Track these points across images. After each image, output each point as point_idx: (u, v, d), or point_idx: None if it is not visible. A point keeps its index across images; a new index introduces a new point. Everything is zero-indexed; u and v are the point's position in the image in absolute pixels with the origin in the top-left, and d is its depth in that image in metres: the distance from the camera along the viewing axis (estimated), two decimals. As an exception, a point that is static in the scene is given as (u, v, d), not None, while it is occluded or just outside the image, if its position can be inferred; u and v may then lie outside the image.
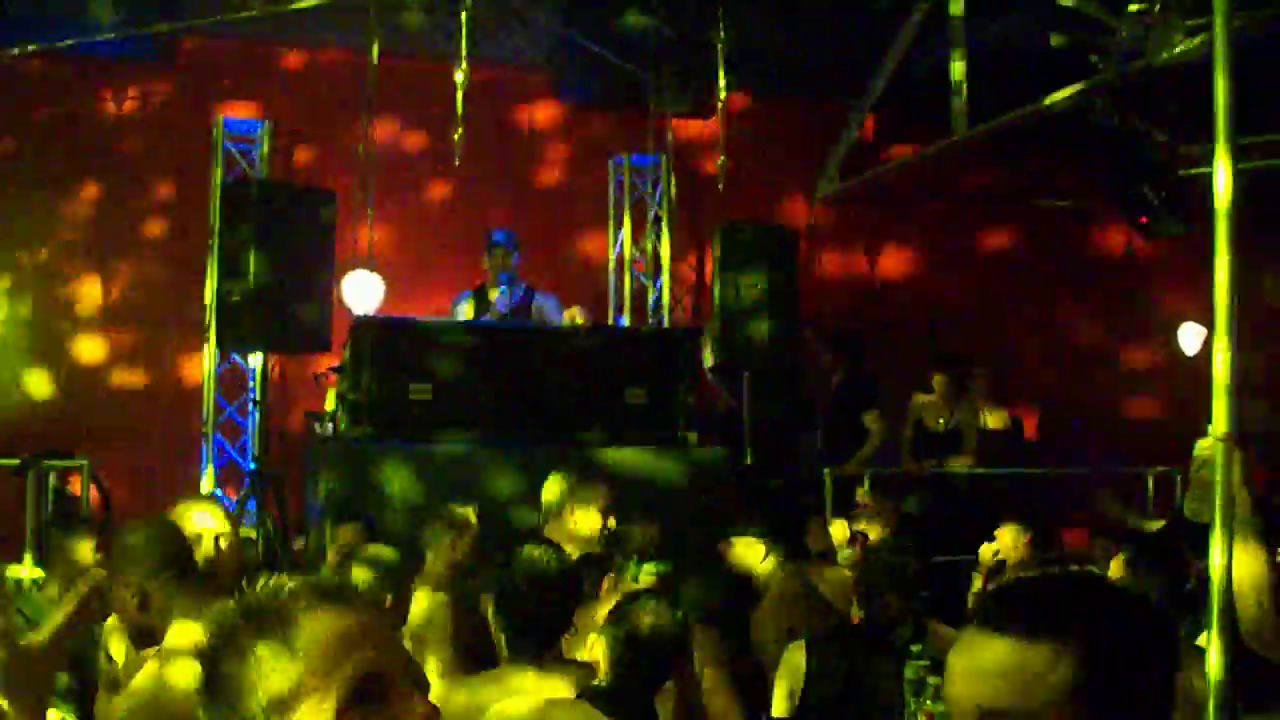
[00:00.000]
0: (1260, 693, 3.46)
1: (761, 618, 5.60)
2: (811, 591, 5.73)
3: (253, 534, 7.53)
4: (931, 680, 4.29)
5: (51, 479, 7.77)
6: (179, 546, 3.73)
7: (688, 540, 6.31)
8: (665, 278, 11.27)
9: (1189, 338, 12.03)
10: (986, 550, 6.94)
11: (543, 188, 11.31)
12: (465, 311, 8.64)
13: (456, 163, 8.63)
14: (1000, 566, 6.98)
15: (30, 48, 9.42)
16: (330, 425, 8.04)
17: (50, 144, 10.00)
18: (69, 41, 9.36)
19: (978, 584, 6.87)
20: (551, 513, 6.02)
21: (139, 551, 3.58)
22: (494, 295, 8.58)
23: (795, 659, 4.67)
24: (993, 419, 10.26)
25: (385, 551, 4.51)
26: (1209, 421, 3.18)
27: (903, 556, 5.02)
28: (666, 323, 9.53)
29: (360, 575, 4.25)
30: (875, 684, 4.58)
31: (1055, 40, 8.69)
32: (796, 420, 10.17)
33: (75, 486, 8.10)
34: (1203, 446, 3.29)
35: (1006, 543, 7.12)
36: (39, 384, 9.77)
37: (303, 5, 9.46)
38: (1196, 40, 8.00)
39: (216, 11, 9.50)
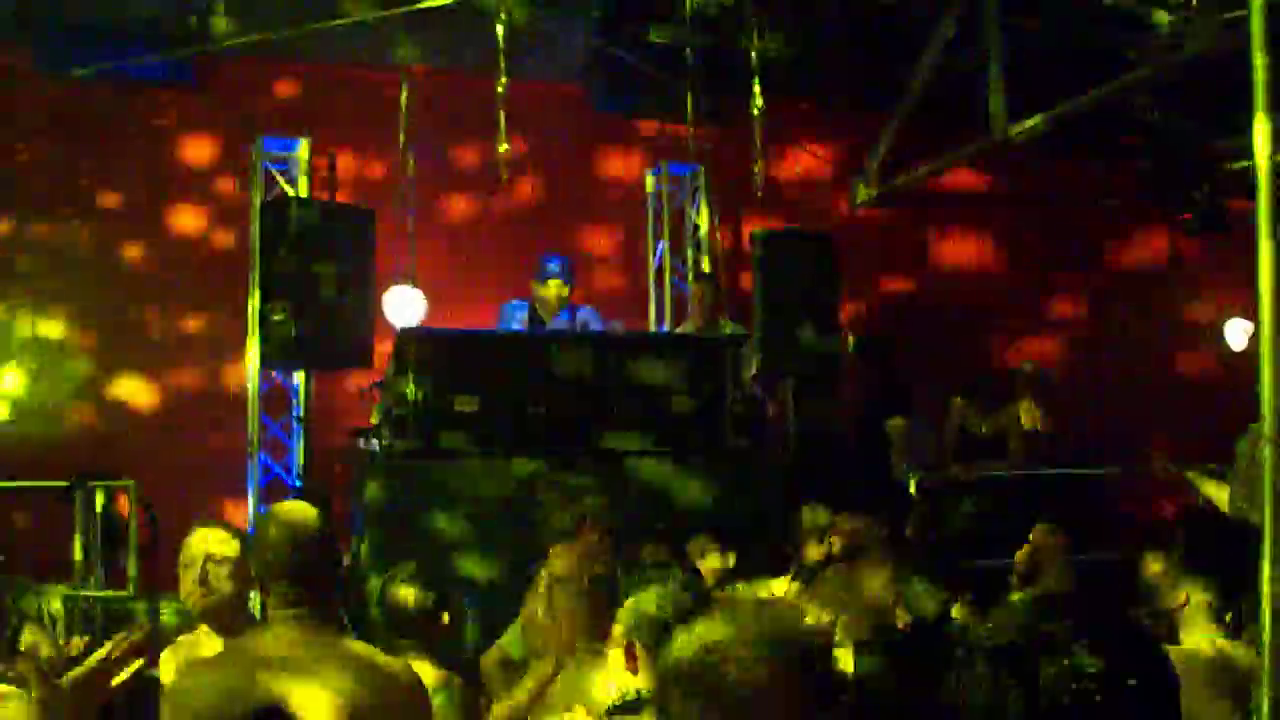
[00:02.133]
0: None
1: None
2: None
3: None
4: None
5: (99, 500, 7.81)
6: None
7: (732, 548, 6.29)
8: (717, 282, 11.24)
9: (1236, 334, 11.92)
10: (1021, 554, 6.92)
11: (582, 199, 11.32)
12: (521, 321, 8.67)
13: (504, 178, 8.64)
14: (1034, 569, 6.95)
15: (72, 72, 9.52)
16: (375, 440, 8.05)
17: (90, 167, 10.07)
18: (108, 64, 9.44)
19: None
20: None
21: None
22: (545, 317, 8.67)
23: (842, 663, 4.64)
24: (1037, 421, 10.19)
25: None
26: (1252, 420, 3.15)
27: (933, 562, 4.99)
28: (724, 328, 9.51)
29: None
30: (921, 688, 4.55)
31: (1093, 37, 8.65)
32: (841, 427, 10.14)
33: (123, 508, 8.15)
34: (1247, 445, 3.27)
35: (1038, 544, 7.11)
36: (84, 406, 9.83)
37: (339, 23, 9.51)
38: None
39: (253, 31, 9.57)
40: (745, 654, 1.71)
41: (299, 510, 3.46)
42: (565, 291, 8.71)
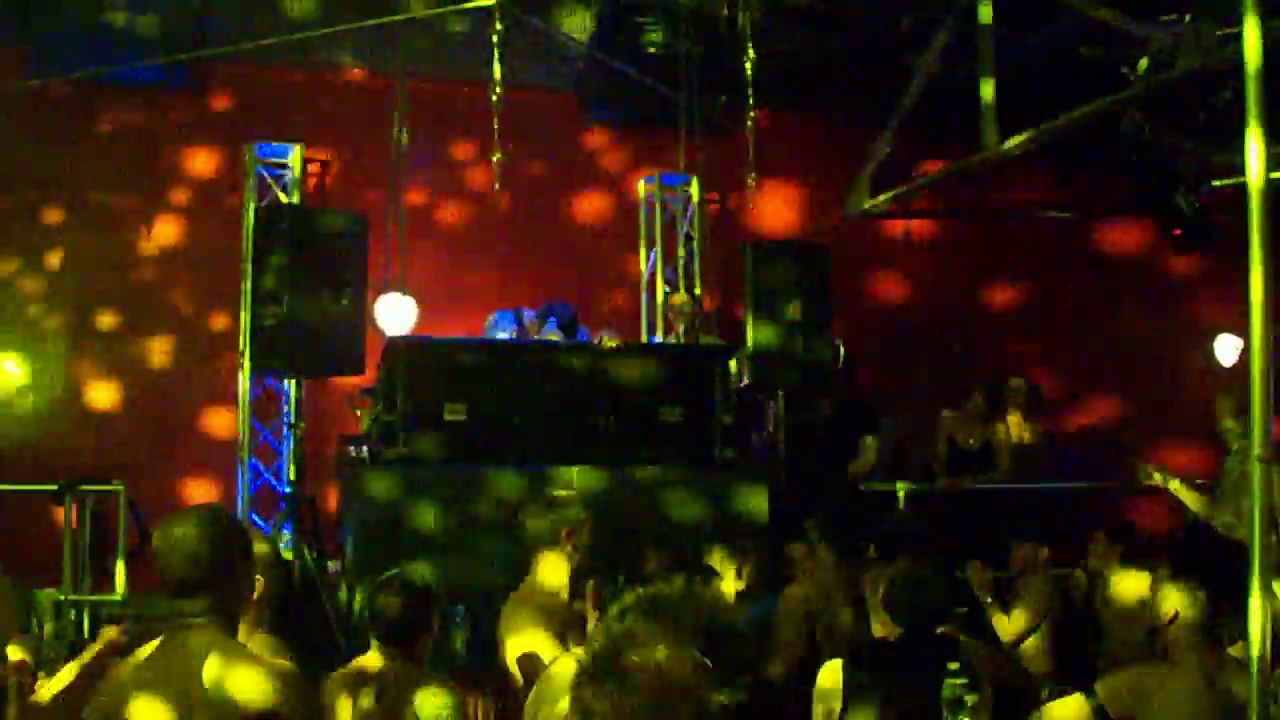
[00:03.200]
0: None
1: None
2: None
3: (289, 556, 7.55)
4: (969, 699, 4.26)
5: (89, 505, 7.80)
6: None
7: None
8: (699, 293, 11.25)
9: (1225, 349, 11.93)
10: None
11: (574, 208, 11.33)
12: (508, 334, 8.69)
13: (496, 186, 8.64)
14: (1011, 583, 7.04)
15: (64, 76, 9.52)
16: (365, 447, 8.05)
17: (83, 170, 10.07)
18: (102, 69, 9.43)
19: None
20: None
21: None
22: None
23: (832, 679, 4.65)
24: (1026, 433, 10.22)
25: None
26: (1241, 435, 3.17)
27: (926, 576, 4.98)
28: (703, 340, 9.52)
29: None
30: (911, 702, 4.55)
31: (1086, 52, 8.66)
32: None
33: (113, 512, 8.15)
34: (1234, 462, 3.30)
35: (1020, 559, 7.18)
36: (75, 410, 9.82)
37: (333, 30, 9.52)
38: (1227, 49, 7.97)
39: (248, 38, 9.58)
40: (648, 638, 1.74)
41: (184, 521, 3.36)
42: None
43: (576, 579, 5.09)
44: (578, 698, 1.76)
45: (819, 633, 6.25)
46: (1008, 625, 6.87)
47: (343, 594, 7.14)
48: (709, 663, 1.69)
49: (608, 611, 1.78)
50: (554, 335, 9.00)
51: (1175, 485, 7.58)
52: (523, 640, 4.84)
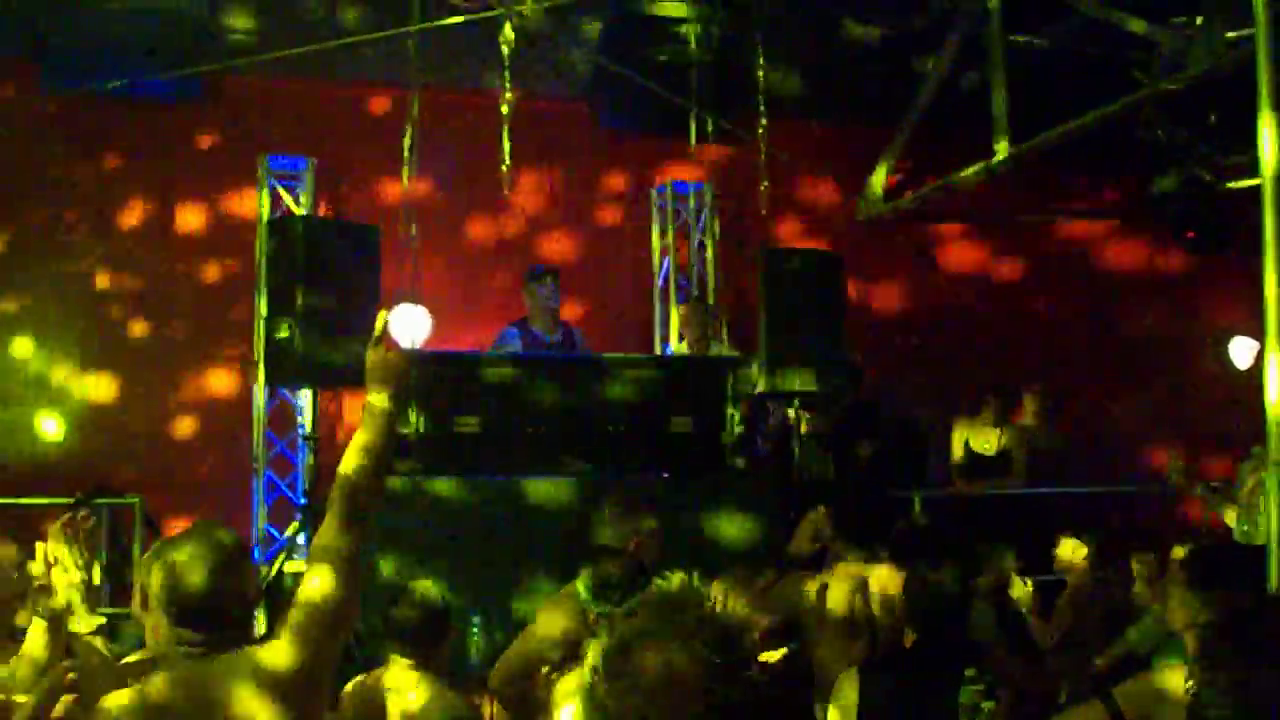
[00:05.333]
0: None
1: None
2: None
3: (302, 567, 7.55)
4: (985, 705, 4.24)
5: (105, 518, 7.82)
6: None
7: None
8: (712, 302, 11.24)
9: (1241, 352, 11.88)
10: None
11: (586, 217, 11.33)
12: (515, 346, 8.69)
13: (507, 195, 8.65)
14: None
15: (79, 89, 9.55)
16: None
17: (96, 185, 10.10)
18: (113, 84, 9.46)
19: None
20: None
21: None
22: (538, 326, 8.70)
23: (848, 687, 4.62)
24: (1043, 439, 10.20)
25: None
26: (1256, 444, 3.16)
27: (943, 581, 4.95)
28: (712, 350, 9.50)
29: None
30: (929, 710, 4.53)
31: (1097, 54, 8.66)
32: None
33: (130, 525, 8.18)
34: (1250, 469, 3.27)
35: (1065, 556, 7.16)
36: (89, 423, 9.83)
37: (344, 42, 9.54)
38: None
39: (258, 51, 9.60)
40: (654, 637, 1.79)
41: (186, 549, 3.26)
42: (557, 295, 8.82)
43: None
44: (592, 695, 1.77)
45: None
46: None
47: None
48: (716, 659, 1.71)
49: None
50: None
51: (1200, 490, 7.57)
52: (552, 620, 4.88)
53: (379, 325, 3.70)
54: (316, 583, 3.28)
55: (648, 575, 5.16)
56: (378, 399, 3.58)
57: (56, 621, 3.32)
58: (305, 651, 3.19)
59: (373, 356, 3.64)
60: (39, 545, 3.47)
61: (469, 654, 6.71)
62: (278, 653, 3.18)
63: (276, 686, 3.13)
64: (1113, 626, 6.87)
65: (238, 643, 3.22)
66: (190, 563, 3.21)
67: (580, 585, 4.95)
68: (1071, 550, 7.31)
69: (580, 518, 6.46)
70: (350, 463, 3.46)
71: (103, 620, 3.45)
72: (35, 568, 3.60)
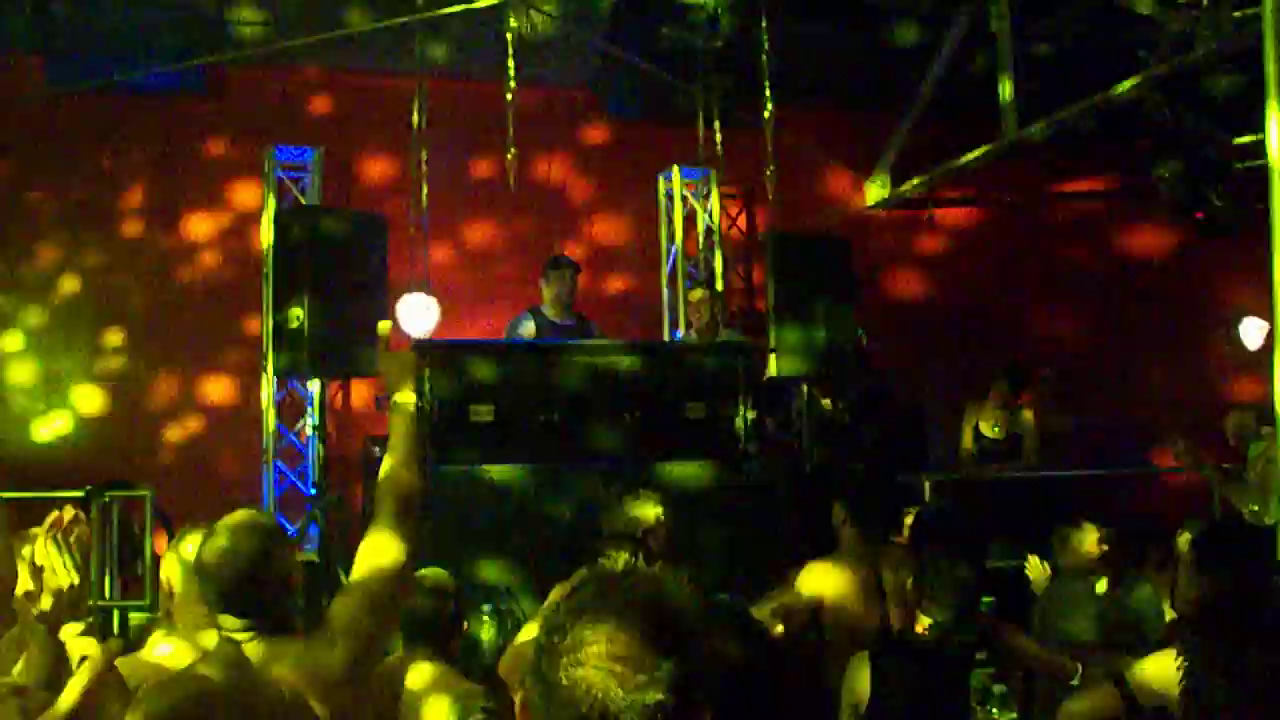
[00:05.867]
0: None
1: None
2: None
3: (314, 558, 7.58)
4: (996, 689, 4.24)
5: (115, 510, 7.82)
6: None
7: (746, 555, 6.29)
8: (720, 289, 11.23)
9: (1251, 332, 11.88)
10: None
11: (593, 204, 11.32)
12: (528, 332, 8.68)
13: (512, 183, 8.65)
14: None
15: (85, 83, 9.56)
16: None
17: (103, 178, 10.12)
18: (120, 77, 9.47)
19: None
20: None
21: None
22: (552, 313, 8.70)
23: (859, 672, 4.62)
24: (1053, 423, 10.18)
25: None
26: (1266, 423, 3.15)
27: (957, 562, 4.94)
28: (720, 336, 9.49)
29: None
30: (941, 695, 4.53)
31: (1104, 36, 8.63)
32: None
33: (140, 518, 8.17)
34: (1259, 450, 3.27)
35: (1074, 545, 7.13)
36: (99, 416, 9.85)
37: (349, 32, 9.54)
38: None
39: (264, 42, 9.60)
40: (596, 614, 1.79)
41: (227, 534, 3.28)
42: (572, 283, 8.80)
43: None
44: (535, 670, 1.79)
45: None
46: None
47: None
48: (655, 637, 1.72)
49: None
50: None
51: (1207, 470, 7.55)
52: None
53: (383, 332, 3.74)
54: (369, 577, 3.31)
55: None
56: (402, 397, 3.61)
57: (48, 627, 3.31)
58: (354, 645, 3.21)
59: (385, 362, 3.69)
60: (24, 550, 3.45)
61: (480, 643, 6.71)
62: (325, 644, 3.19)
63: (323, 677, 3.14)
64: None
65: (283, 629, 3.23)
66: (229, 548, 3.23)
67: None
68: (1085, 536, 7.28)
69: (592, 505, 6.46)
70: (390, 462, 3.51)
71: (91, 620, 3.41)
72: (23, 577, 3.59)
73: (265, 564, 3.24)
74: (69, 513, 3.48)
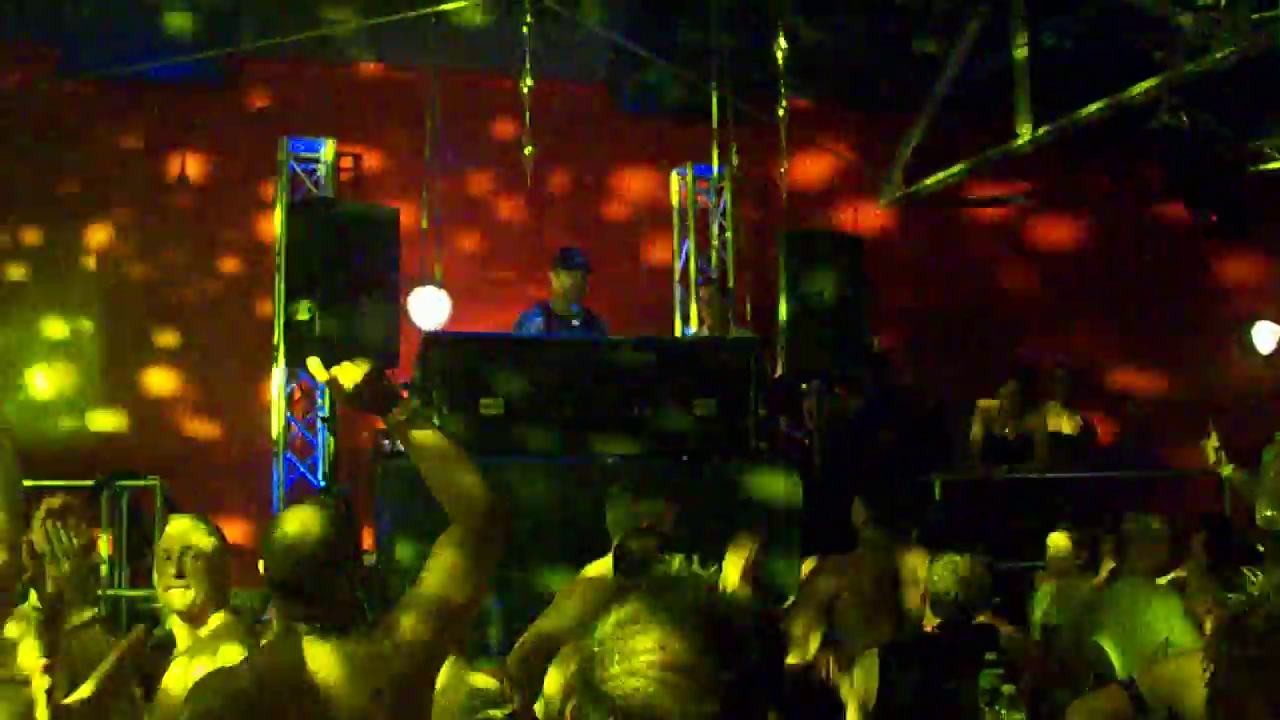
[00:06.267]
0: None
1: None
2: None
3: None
4: (1005, 689, 4.24)
5: (125, 500, 7.85)
6: None
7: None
8: (731, 286, 11.21)
9: (1263, 336, 11.83)
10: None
11: (606, 200, 11.32)
12: (537, 328, 8.68)
13: (528, 178, 8.65)
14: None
15: (98, 74, 9.57)
16: (399, 442, 8.03)
17: (116, 169, 10.13)
18: (133, 67, 9.48)
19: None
20: None
21: None
22: (561, 308, 8.69)
23: (868, 669, 4.62)
24: (1065, 423, 10.17)
25: None
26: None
27: (974, 564, 4.94)
28: (731, 333, 9.47)
29: None
30: (949, 694, 4.52)
31: (1122, 37, 8.62)
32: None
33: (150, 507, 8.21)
34: (1273, 455, 3.25)
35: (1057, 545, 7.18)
36: (110, 406, 9.87)
37: (364, 24, 9.54)
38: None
39: (278, 33, 9.60)
40: (649, 622, 1.74)
41: (297, 520, 3.26)
42: (586, 285, 8.79)
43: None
44: (585, 680, 1.76)
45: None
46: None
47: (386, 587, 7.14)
48: (708, 646, 1.69)
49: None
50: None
51: (1229, 470, 7.51)
52: (572, 601, 4.88)
53: (315, 370, 3.40)
54: (440, 580, 3.31)
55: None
56: (391, 418, 3.46)
57: (52, 614, 3.31)
58: (416, 654, 3.20)
59: (350, 399, 3.36)
60: (22, 539, 3.46)
61: (489, 637, 6.71)
62: (387, 652, 3.17)
63: (382, 676, 3.13)
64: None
65: (348, 621, 3.22)
66: (294, 538, 3.22)
67: (605, 565, 4.95)
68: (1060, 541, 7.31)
69: (600, 501, 6.46)
70: (453, 485, 3.58)
71: (97, 610, 3.42)
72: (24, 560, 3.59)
73: (331, 552, 3.23)
74: (56, 500, 3.47)
